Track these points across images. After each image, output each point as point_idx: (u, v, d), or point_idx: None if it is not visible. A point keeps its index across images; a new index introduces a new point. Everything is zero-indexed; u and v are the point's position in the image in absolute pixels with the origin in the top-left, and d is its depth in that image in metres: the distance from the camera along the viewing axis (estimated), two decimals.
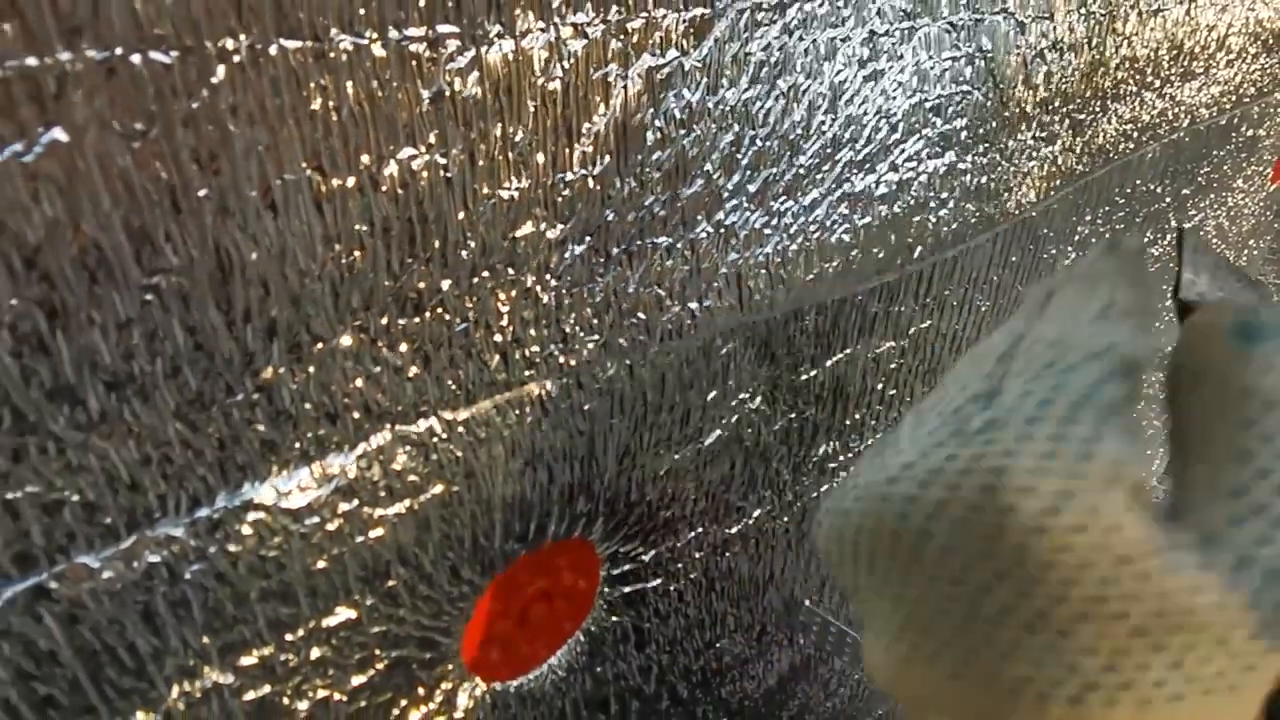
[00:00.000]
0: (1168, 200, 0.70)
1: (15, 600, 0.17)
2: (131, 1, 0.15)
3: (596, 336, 0.27)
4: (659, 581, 0.36)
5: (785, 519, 0.42)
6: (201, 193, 0.17)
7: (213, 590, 0.20)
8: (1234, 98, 0.65)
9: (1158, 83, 0.51)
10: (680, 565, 0.37)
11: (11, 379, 0.16)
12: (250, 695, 0.22)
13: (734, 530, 0.39)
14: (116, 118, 0.15)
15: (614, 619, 0.35)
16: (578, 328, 0.26)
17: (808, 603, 0.49)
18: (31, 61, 0.14)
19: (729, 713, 0.48)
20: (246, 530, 0.20)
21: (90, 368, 0.17)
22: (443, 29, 0.19)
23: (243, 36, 0.16)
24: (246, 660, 0.21)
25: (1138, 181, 0.61)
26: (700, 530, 0.37)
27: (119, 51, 0.15)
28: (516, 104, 0.21)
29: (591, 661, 0.35)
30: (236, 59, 0.16)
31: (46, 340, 0.16)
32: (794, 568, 0.46)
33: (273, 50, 0.17)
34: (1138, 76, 0.49)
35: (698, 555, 0.37)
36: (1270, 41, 0.65)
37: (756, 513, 0.40)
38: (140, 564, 0.18)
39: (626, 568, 0.34)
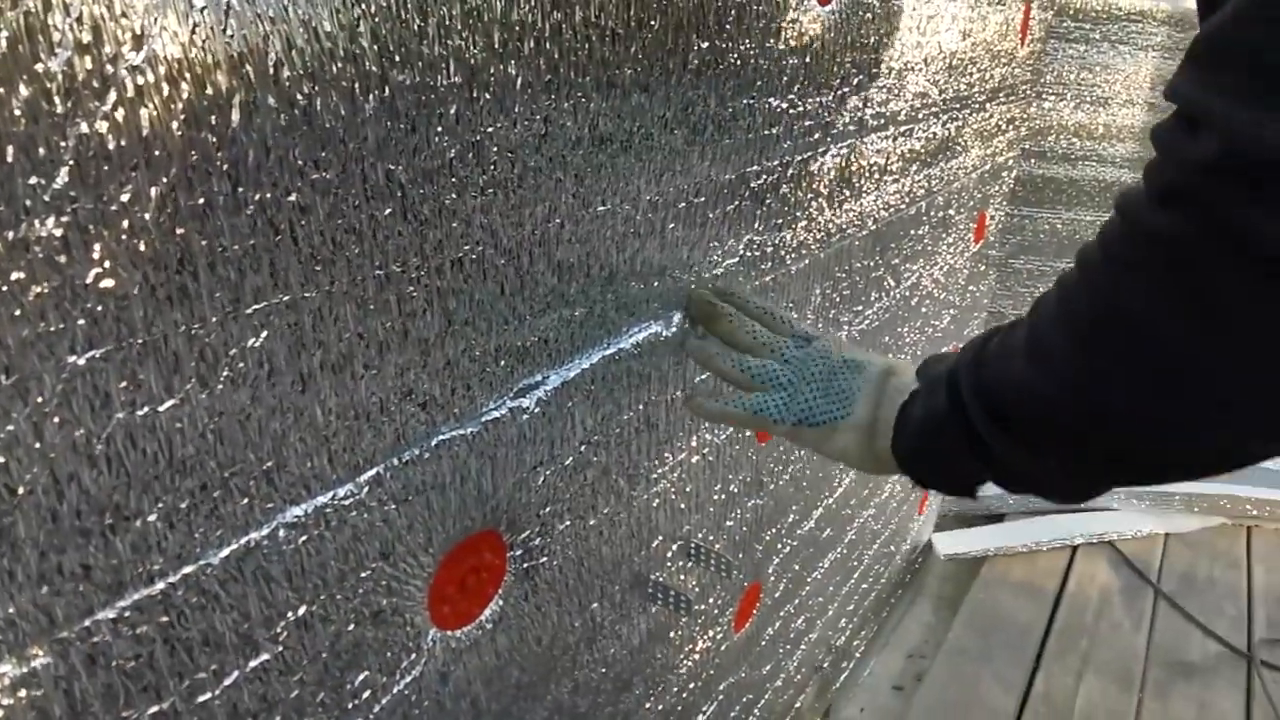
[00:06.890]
0: (882, 270, 0.97)
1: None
2: None
3: (501, 408, 0.46)
4: (545, 559, 0.55)
5: (625, 515, 0.62)
6: None
7: (325, 539, 0.38)
8: (908, 199, 0.93)
9: (838, 200, 0.77)
10: (558, 548, 0.56)
11: None
12: (344, 599, 0.39)
13: (591, 523, 0.59)
14: None
15: (518, 586, 0.54)
16: (492, 403, 0.45)
17: (653, 578, 0.69)
18: None
19: (605, 664, 0.66)
20: (344, 512, 0.38)
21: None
22: None
23: None
24: (354, 580, 0.39)
25: (853, 260, 0.88)
26: (568, 523, 0.56)
27: None
28: None
29: (506, 617, 0.53)
30: None
31: None
32: (637, 552, 0.66)
33: None
34: (818, 199, 0.75)
35: (569, 540, 0.57)
36: (926, 160, 0.95)
37: (605, 510, 0.60)
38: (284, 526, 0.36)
39: (523, 550, 0.53)
